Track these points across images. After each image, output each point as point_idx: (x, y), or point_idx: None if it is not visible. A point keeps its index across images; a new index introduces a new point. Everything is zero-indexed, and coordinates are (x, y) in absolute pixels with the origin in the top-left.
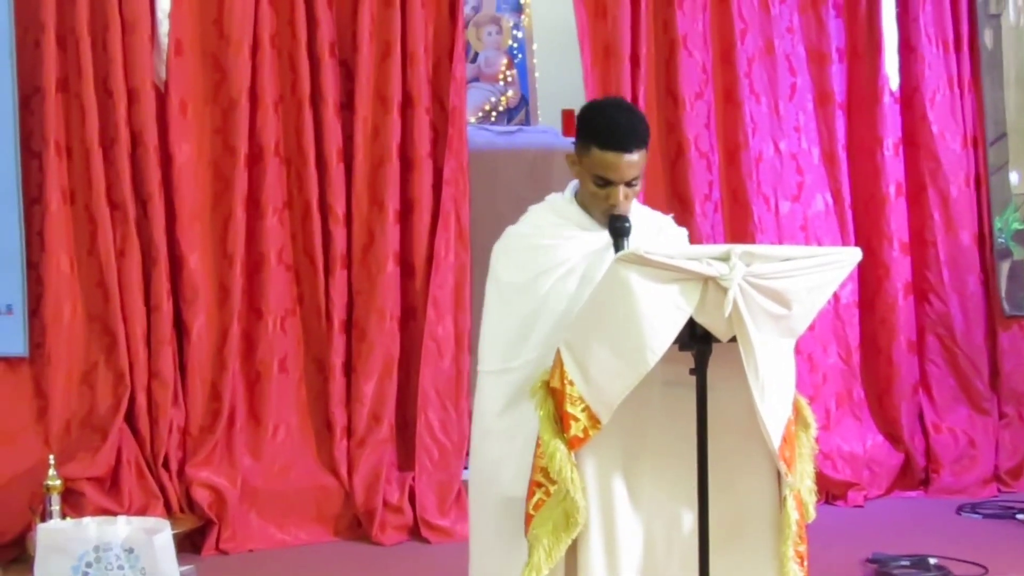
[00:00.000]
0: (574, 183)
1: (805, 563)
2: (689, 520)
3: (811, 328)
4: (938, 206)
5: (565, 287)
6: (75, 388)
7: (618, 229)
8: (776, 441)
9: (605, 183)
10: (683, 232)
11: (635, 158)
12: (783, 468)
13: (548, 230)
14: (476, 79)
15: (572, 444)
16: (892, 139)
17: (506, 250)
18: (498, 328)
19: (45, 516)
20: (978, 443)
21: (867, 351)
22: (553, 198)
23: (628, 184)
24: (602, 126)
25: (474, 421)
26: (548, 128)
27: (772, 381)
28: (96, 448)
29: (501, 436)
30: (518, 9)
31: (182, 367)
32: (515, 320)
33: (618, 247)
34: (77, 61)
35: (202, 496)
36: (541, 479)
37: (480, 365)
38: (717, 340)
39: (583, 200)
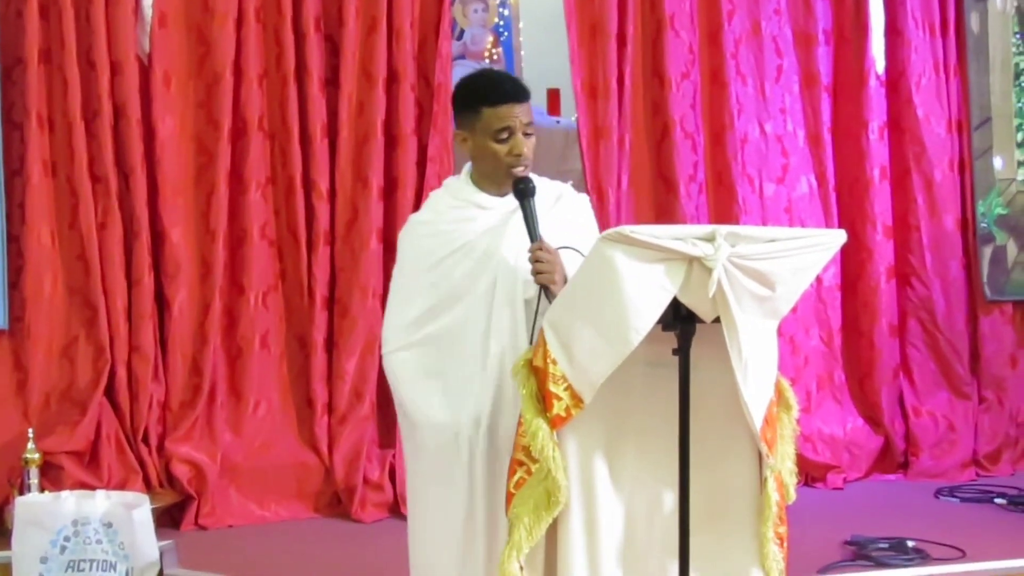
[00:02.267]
0: (467, 166)
1: (785, 544)
2: (670, 500)
3: (793, 311)
4: (922, 190)
5: (466, 267)
6: (55, 361)
7: (522, 191)
8: (758, 422)
9: (507, 135)
10: (584, 199)
11: (526, 108)
12: (765, 449)
13: (448, 214)
14: (462, 56)
15: (554, 423)
16: (877, 122)
17: (410, 238)
18: (401, 310)
19: (23, 489)
20: (957, 427)
21: (849, 334)
22: (450, 181)
23: (526, 134)
24: (486, 86)
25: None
26: (533, 107)
27: (755, 362)
28: (75, 422)
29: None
30: None
31: (163, 342)
32: (418, 302)
33: (524, 208)
34: (60, 32)
35: (182, 471)
36: (523, 458)
37: (383, 349)
38: (701, 321)
39: (481, 177)
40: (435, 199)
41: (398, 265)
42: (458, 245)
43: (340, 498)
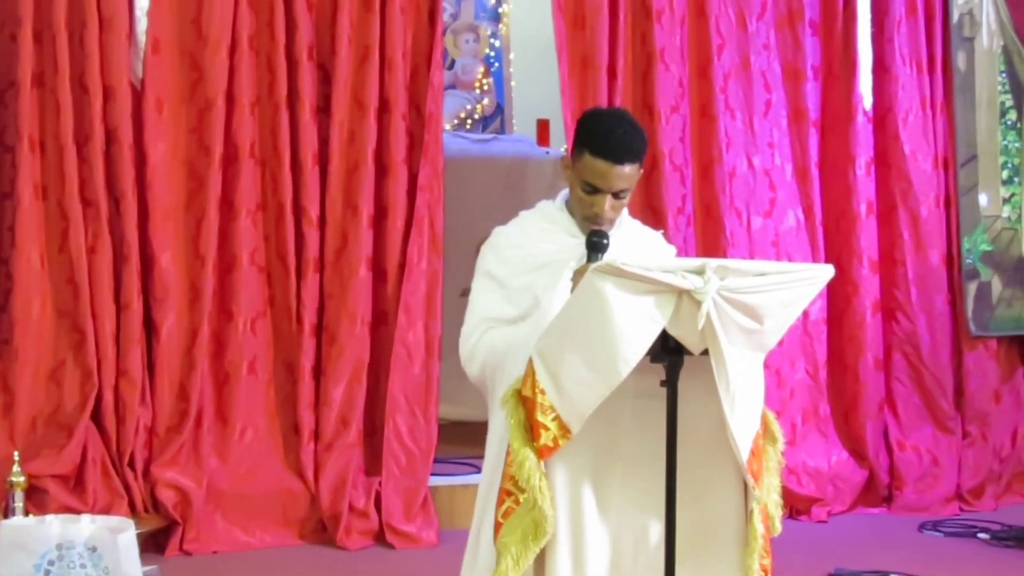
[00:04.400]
0: (564, 192)
1: None
2: (657, 531)
3: (780, 344)
4: (908, 226)
5: (538, 283)
6: (42, 385)
7: (594, 244)
8: (745, 454)
9: (593, 190)
10: (672, 250)
11: (626, 171)
12: (751, 481)
13: (535, 234)
14: (452, 86)
15: (542, 453)
16: (864, 158)
17: (493, 247)
18: (485, 305)
19: (8, 513)
20: (941, 462)
21: (834, 368)
22: (544, 204)
23: (616, 196)
24: (599, 134)
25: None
26: (523, 137)
27: (742, 394)
28: (62, 446)
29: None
30: (496, 18)
31: (150, 366)
32: (494, 312)
33: (590, 260)
34: (53, 56)
35: (167, 496)
36: (511, 487)
37: (464, 349)
38: (689, 353)
39: (573, 207)
40: (524, 218)
41: (478, 272)
42: (542, 262)
43: (325, 525)
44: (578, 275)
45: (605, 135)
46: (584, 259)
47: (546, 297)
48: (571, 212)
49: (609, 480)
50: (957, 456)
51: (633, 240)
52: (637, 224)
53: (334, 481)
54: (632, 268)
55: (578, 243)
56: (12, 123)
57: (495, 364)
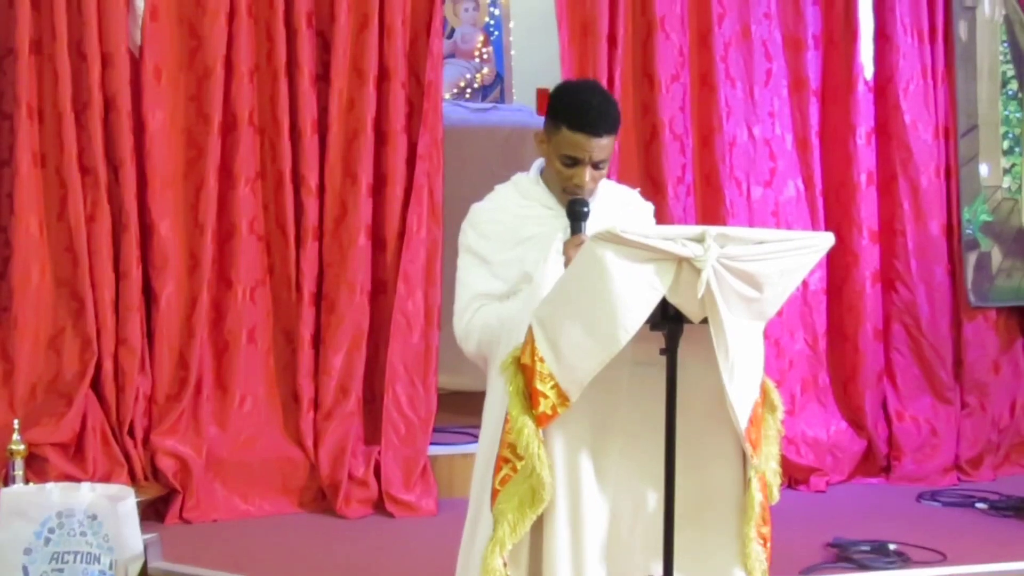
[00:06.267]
0: (539, 162)
1: (768, 544)
2: (655, 499)
3: (779, 314)
4: (908, 196)
5: (527, 257)
6: (41, 353)
7: (576, 213)
8: (743, 422)
9: (573, 163)
10: (649, 207)
11: (604, 142)
12: (749, 450)
13: (512, 209)
14: (452, 55)
15: (540, 421)
16: (865, 128)
17: (473, 224)
18: (474, 282)
19: (8, 481)
20: (940, 432)
21: (834, 338)
22: (518, 178)
23: (595, 166)
24: (575, 107)
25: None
26: (523, 107)
27: (741, 363)
28: (61, 414)
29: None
30: None
31: (150, 335)
32: (484, 289)
33: (574, 230)
34: (51, 23)
35: (167, 465)
36: (508, 455)
37: (458, 329)
38: (688, 321)
39: (548, 179)
40: (499, 193)
41: (462, 250)
42: (524, 235)
43: (325, 494)
44: (567, 246)
45: (582, 108)
46: (569, 230)
47: (538, 271)
48: (547, 184)
49: (608, 448)
50: (956, 426)
51: (613, 203)
52: (612, 185)
53: (333, 450)
54: (632, 236)
55: (555, 214)
56: (10, 90)
57: (489, 340)
